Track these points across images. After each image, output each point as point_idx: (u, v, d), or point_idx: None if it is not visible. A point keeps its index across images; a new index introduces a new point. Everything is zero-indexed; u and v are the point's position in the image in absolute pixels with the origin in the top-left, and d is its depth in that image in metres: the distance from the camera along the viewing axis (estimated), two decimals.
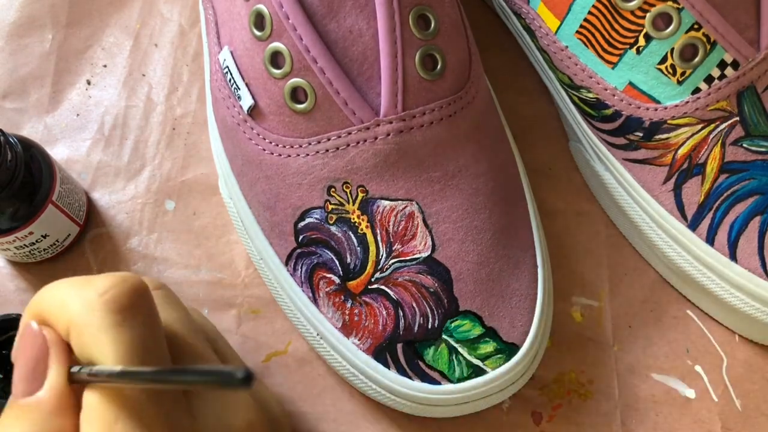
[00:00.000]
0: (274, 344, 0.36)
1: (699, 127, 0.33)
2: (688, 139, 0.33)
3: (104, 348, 0.22)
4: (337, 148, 0.32)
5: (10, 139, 0.33)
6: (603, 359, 0.36)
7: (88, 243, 0.39)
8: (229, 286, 0.37)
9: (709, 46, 0.32)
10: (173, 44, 0.43)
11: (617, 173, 0.36)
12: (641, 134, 0.34)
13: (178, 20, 0.43)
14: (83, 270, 0.38)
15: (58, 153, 0.40)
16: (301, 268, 0.33)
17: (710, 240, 0.34)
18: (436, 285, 0.31)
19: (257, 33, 0.32)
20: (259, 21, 0.32)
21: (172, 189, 0.40)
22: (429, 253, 0.31)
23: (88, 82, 0.42)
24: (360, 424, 0.35)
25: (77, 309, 0.22)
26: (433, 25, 0.32)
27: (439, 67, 0.32)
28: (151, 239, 0.39)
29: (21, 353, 0.23)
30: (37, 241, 0.35)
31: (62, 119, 0.41)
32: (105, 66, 0.42)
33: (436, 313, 0.31)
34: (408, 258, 0.31)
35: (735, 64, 0.32)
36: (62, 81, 0.42)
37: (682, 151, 0.34)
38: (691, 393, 0.36)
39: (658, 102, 0.33)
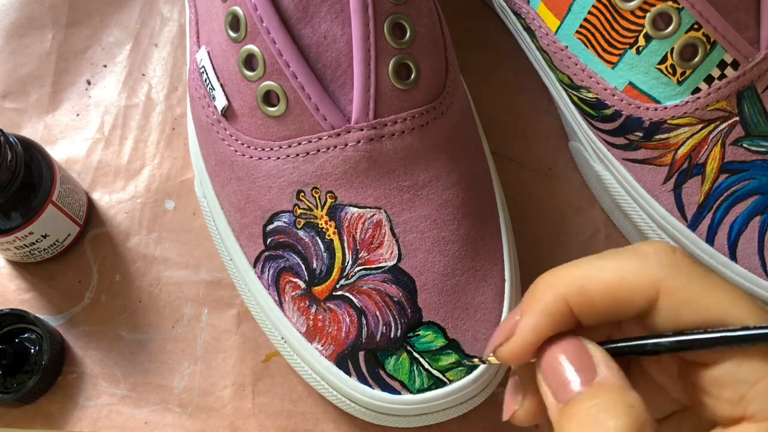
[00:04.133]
0: (273, 344, 0.36)
1: (699, 127, 0.33)
2: (688, 139, 0.33)
3: None
4: (308, 153, 0.32)
5: (10, 139, 0.33)
6: None
7: (88, 243, 0.39)
8: (229, 286, 0.37)
9: (709, 46, 0.32)
10: (173, 44, 0.43)
11: (617, 173, 0.36)
12: (641, 134, 0.34)
13: (178, 20, 0.43)
14: (83, 270, 0.38)
15: (58, 153, 0.40)
16: (268, 271, 0.33)
17: (710, 240, 0.34)
18: (401, 294, 0.31)
19: (232, 34, 0.32)
20: (234, 22, 0.32)
21: (172, 189, 0.40)
22: (395, 262, 0.31)
23: (88, 82, 0.42)
24: (360, 423, 0.35)
25: None
26: (408, 34, 0.32)
27: (413, 76, 0.32)
28: (151, 239, 0.39)
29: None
30: (37, 241, 0.35)
31: (62, 119, 0.41)
32: (105, 66, 0.43)
33: (399, 322, 0.31)
34: (374, 266, 0.31)
35: (735, 64, 0.32)
36: (62, 81, 0.42)
37: (682, 151, 0.34)
38: None
39: (658, 102, 0.33)
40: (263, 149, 0.32)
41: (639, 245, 0.23)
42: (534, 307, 0.22)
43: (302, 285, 0.32)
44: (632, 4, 0.32)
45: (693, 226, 0.34)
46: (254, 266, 0.34)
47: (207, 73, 0.34)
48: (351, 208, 0.32)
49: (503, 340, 0.23)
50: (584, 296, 0.22)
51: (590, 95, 0.35)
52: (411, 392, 0.31)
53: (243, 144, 0.33)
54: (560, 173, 0.40)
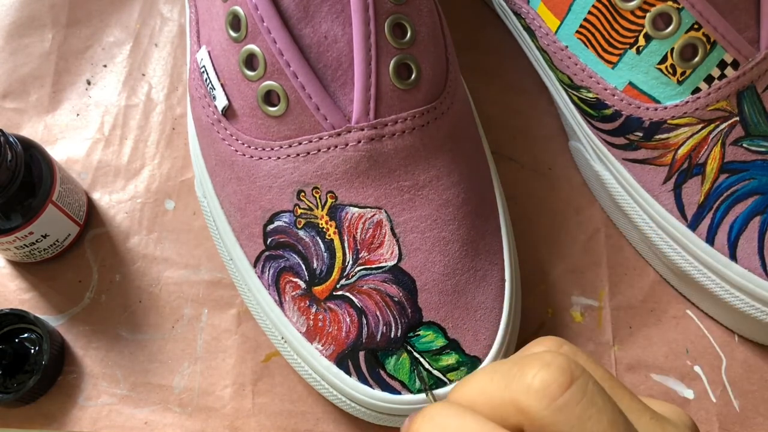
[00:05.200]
0: (273, 344, 0.36)
1: (699, 127, 0.33)
2: (688, 139, 0.33)
3: None
4: (308, 153, 0.32)
5: (10, 139, 0.33)
6: (603, 359, 0.36)
7: (88, 243, 0.39)
8: (229, 286, 0.37)
9: (709, 46, 0.32)
10: (173, 44, 0.43)
11: (617, 173, 0.36)
12: (641, 134, 0.34)
13: (178, 20, 0.43)
14: (83, 270, 0.38)
15: (58, 153, 0.40)
16: (269, 271, 0.33)
17: (710, 240, 0.34)
18: (401, 294, 0.31)
19: (233, 34, 0.32)
20: (235, 22, 0.32)
21: (172, 189, 0.40)
22: (395, 262, 0.31)
23: (88, 82, 0.42)
24: (361, 424, 0.35)
25: None
26: (409, 35, 0.32)
27: (413, 76, 0.32)
28: (151, 239, 0.39)
29: None
30: (37, 241, 0.35)
31: (62, 119, 0.41)
32: (105, 66, 0.43)
33: (399, 322, 0.31)
34: (374, 266, 0.31)
35: (735, 64, 0.32)
36: (62, 81, 0.42)
37: (682, 151, 0.34)
38: (689, 393, 0.36)
39: (658, 102, 0.33)
40: (263, 149, 0.32)
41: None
42: None
43: (302, 285, 0.32)
44: (632, 4, 0.32)
45: (693, 226, 0.34)
46: (254, 266, 0.34)
47: (207, 73, 0.34)
48: (351, 208, 0.32)
49: None
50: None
51: (590, 95, 0.35)
52: (411, 392, 0.31)
53: (243, 144, 0.33)
54: (560, 173, 0.40)
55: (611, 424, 0.19)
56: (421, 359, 0.31)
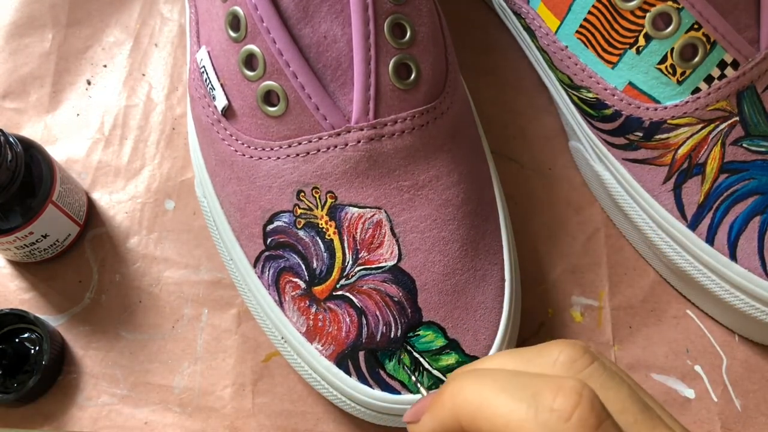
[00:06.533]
0: (273, 344, 0.36)
1: (699, 127, 0.33)
2: (688, 139, 0.33)
3: None
4: (308, 153, 0.32)
5: (10, 139, 0.33)
6: None
7: (88, 243, 0.39)
8: (229, 286, 0.37)
9: (709, 46, 0.32)
10: (173, 44, 0.43)
11: (617, 173, 0.36)
12: (641, 134, 0.34)
13: (178, 20, 0.43)
14: (83, 270, 0.38)
15: (58, 153, 0.40)
16: (269, 271, 0.33)
17: (710, 240, 0.34)
18: (401, 294, 0.31)
19: (233, 34, 0.32)
20: (234, 22, 0.32)
21: (172, 189, 0.40)
22: (395, 262, 0.31)
23: (88, 82, 0.42)
24: (361, 423, 0.35)
25: None
26: (408, 35, 0.32)
27: (413, 76, 0.32)
28: (150, 239, 0.39)
29: None
30: (37, 241, 0.35)
31: (62, 119, 0.41)
32: (105, 66, 0.43)
33: (399, 322, 0.31)
34: (374, 266, 0.31)
35: (735, 64, 0.32)
36: (62, 81, 0.42)
37: (682, 151, 0.34)
38: (690, 393, 0.36)
39: (658, 102, 0.33)
40: (263, 149, 0.32)
41: (545, 386, 0.20)
42: (434, 414, 0.23)
43: (302, 285, 0.32)
44: (632, 4, 0.32)
45: (693, 226, 0.34)
46: (254, 266, 0.34)
47: (207, 73, 0.34)
48: (351, 208, 0.32)
49: (413, 419, 0.25)
50: (474, 426, 0.22)
51: (590, 95, 0.35)
52: (411, 392, 0.31)
53: (243, 144, 0.33)
54: (560, 173, 0.40)
55: (629, 395, 0.21)
56: (421, 359, 0.31)
